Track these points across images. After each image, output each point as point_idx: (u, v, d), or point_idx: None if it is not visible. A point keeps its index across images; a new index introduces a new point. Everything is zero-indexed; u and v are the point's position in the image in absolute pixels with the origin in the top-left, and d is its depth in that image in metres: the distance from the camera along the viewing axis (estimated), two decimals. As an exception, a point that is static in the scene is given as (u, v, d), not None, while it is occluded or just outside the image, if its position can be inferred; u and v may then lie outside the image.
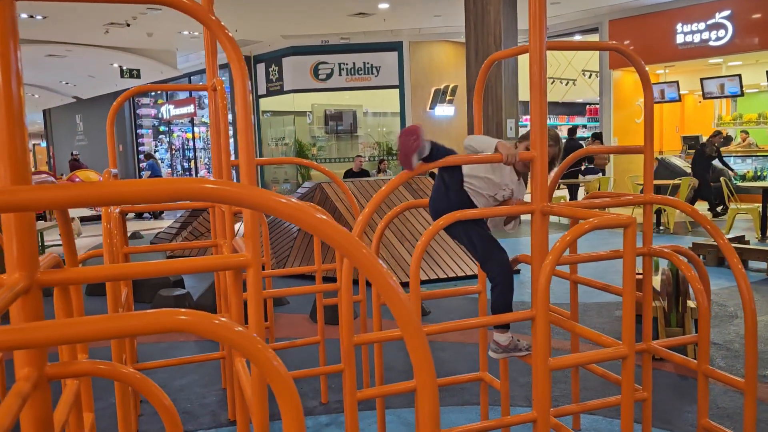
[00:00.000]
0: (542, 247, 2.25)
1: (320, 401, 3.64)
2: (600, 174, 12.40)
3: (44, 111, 26.99)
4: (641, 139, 2.53)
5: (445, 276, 6.66)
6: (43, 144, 30.88)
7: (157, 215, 14.87)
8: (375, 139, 17.13)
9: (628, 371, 1.91)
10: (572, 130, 13.55)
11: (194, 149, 20.22)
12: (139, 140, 21.95)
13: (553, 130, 2.50)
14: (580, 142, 13.86)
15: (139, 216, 15.12)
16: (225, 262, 1.45)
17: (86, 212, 13.75)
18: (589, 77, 17.47)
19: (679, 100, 13.64)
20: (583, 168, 12.04)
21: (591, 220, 1.86)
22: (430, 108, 15.08)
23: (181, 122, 20.72)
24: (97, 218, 14.06)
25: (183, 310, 0.97)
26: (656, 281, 4.53)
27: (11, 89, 1.23)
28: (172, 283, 6.35)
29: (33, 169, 18.31)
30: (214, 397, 3.77)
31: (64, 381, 1.73)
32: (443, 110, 15.05)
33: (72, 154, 18.98)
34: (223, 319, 0.98)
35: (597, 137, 12.73)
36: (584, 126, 20.65)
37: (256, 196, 0.98)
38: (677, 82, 13.18)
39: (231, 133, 17.34)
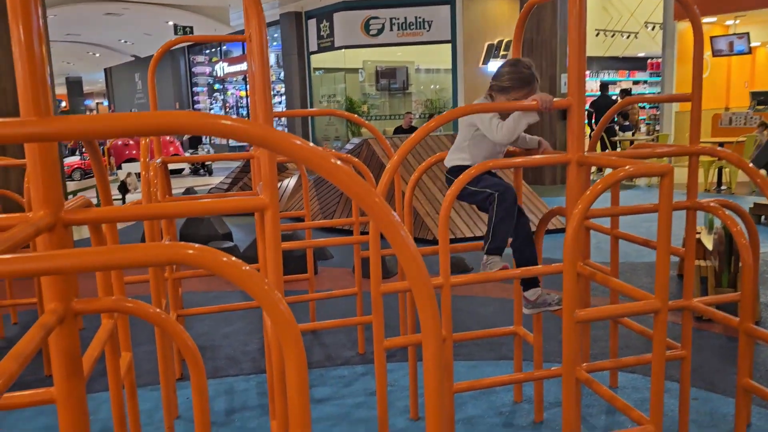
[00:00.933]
0: (578, 199, 2.18)
1: (357, 351, 3.69)
2: (632, 131, 12.31)
3: (105, 70, 27.72)
4: (707, 95, 2.39)
5: (463, 236, 6.59)
6: (106, 103, 31.81)
7: (210, 171, 15.21)
8: (427, 96, 16.90)
9: (660, 326, 1.84)
10: (604, 86, 13.36)
11: (248, 107, 20.44)
12: (195, 98, 22.33)
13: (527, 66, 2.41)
14: (613, 98, 13.52)
15: (195, 172, 15.50)
16: (243, 205, 1.46)
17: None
18: (653, 29, 16.61)
19: (749, 52, 12.84)
20: (617, 127, 11.90)
21: (626, 167, 1.78)
22: (483, 63, 14.70)
23: (235, 80, 20.94)
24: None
25: (192, 244, 0.98)
26: (709, 240, 4.35)
27: (33, 48, 1.24)
28: (221, 236, 6.51)
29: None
30: (256, 345, 3.88)
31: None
32: (496, 66, 14.66)
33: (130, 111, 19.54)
34: (233, 258, 0.99)
35: (626, 93, 12.72)
36: (645, 81, 19.76)
37: (270, 135, 0.97)
38: (747, 33, 12.38)
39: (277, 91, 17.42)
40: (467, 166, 2.28)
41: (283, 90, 17.52)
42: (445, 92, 16.60)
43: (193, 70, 22.34)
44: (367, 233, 2.52)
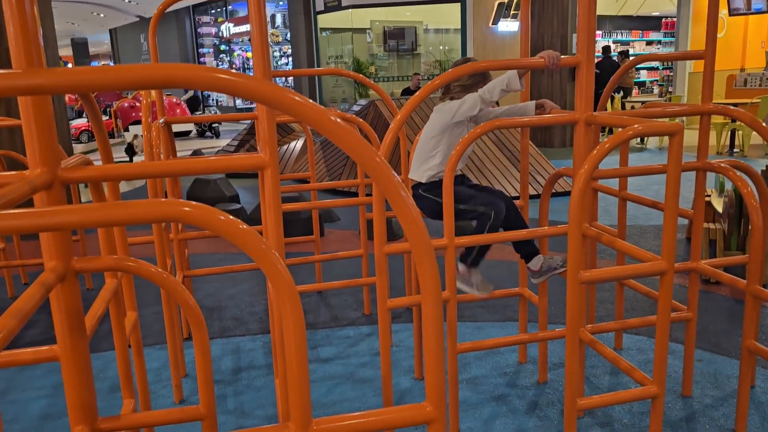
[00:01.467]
0: (585, 159, 2.14)
1: (363, 312, 3.71)
2: (627, 95, 12.50)
3: (110, 31, 27.41)
4: (721, 55, 2.32)
5: None
6: (112, 64, 31.56)
7: (218, 134, 15.15)
8: (436, 57, 16.64)
9: (666, 287, 1.83)
10: (606, 48, 13.35)
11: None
12: (201, 59, 22.11)
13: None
14: (614, 60, 13.39)
15: (201, 135, 15.44)
16: (241, 163, 1.44)
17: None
18: (668, -12, 16.19)
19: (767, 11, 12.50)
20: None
21: (635, 126, 1.74)
22: (493, 24, 14.40)
23: (241, 41, 20.67)
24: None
25: (190, 202, 0.96)
26: (719, 203, 4.30)
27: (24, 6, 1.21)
28: (228, 198, 6.51)
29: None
30: (262, 306, 3.91)
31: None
32: (507, 26, 14.32)
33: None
34: (230, 217, 0.97)
35: (625, 55, 13.04)
36: (659, 42, 19.34)
37: (268, 89, 0.93)
38: (767, -9, 12.03)
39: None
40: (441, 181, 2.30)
41: (289, 51, 17.29)
42: (455, 53, 16.34)
43: (198, 30, 22.07)
44: (372, 195, 2.50)
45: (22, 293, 3.99)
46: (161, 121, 3.07)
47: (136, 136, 9.50)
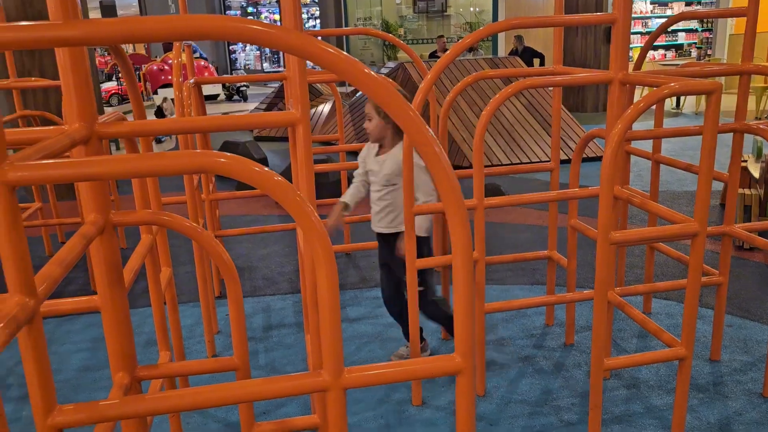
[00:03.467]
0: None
1: (391, 274, 3.75)
2: None
3: (140, -6, 27.44)
4: (765, 16, 2.24)
5: (528, 161, 6.48)
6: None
7: (246, 97, 15.18)
8: (466, 19, 16.32)
9: (697, 250, 1.80)
10: None
11: (282, 31, 20.08)
12: (230, 22, 22.04)
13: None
14: None
15: (229, 98, 15.49)
16: (274, 119, 1.45)
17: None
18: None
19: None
20: None
21: (671, 84, 1.70)
22: (526, -17, 14.04)
23: (269, 2, 20.53)
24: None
25: (224, 153, 0.98)
26: (756, 168, 4.20)
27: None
28: (257, 161, 6.56)
29: (130, 52, 18.75)
30: (292, 266, 3.97)
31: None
32: (540, -14, 13.98)
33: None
34: (266, 168, 0.98)
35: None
36: (699, 2, 18.61)
37: (299, 39, 0.93)
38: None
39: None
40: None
41: (317, 13, 17.12)
42: (485, 15, 16.00)
43: (226, -7, 21.93)
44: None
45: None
46: (191, 81, 3.09)
47: (165, 99, 9.58)
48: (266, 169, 0.97)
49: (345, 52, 0.95)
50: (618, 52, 2.10)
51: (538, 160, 6.49)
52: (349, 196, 2.59)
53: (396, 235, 2.48)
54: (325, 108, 8.83)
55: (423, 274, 2.41)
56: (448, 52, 2.07)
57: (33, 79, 4.26)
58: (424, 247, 2.44)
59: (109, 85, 14.39)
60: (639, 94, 9.28)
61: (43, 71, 5.50)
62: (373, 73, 0.93)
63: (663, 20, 3.88)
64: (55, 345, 3.03)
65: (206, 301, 2.87)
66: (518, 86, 2.12)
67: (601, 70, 2.31)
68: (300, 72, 1.46)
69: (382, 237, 2.58)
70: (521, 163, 6.43)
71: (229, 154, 0.96)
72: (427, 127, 0.97)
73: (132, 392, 1.43)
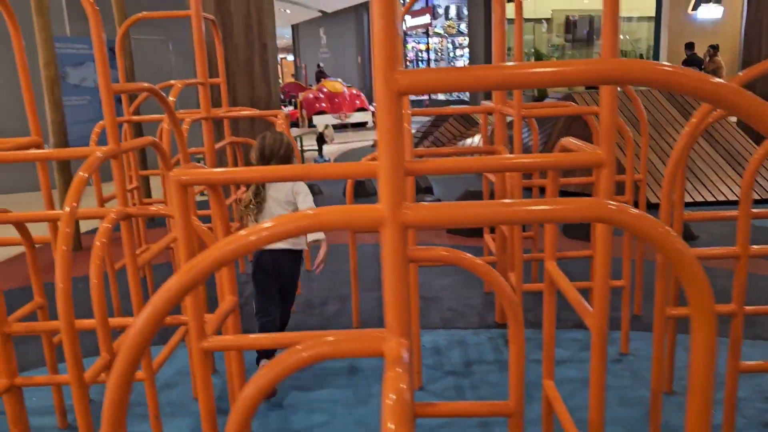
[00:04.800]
0: None
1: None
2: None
3: (292, 26, 29.25)
4: None
5: (714, 199, 6.00)
6: (290, 58, 33.65)
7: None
8: (621, 47, 15.73)
9: None
10: (690, 45, 12.04)
11: (428, 61, 20.47)
12: (376, 52, 22.79)
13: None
14: (699, 56, 11.75)
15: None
16: (576, 159, 1.39)
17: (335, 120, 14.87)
18: None
19: None
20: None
21: None
22: (693, 9, 13.25)
23: (414, 33, 21.01)
24: (343, 126, 15.24)
25: (628, 207, 0.92)
26: None
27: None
28: (423, 190, 6.62)
29: (280, 82, 19.92)
30: (478, 299, 3.90)
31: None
32: (708, 11, 13.13)
33: (318, 66, 20.45)
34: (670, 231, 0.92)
35: (714, 48, 12.01)
36: None
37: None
38: None
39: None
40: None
41: (465, 42, 17.26)
42: (640, 43, 15.34)
43: (375, 24, 22.75)
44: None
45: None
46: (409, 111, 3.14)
47: (327, 126, 10.00)
48: (671, 231, 0.90)
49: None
50: None
51: (725, 199, 5.99)
52: None
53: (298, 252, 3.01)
54: (476, 140, 8.79)
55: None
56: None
57: (241, 108, 4.57)
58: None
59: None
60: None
61: (236, 101, 5.94)
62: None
63: None
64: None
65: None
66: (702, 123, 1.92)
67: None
68: (611, 107, 1.39)
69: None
70: (706, 201, 5.97)
71: (635, 210, 0.90)
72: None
73: None
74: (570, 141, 1.63)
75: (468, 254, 1.50)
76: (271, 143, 2.91)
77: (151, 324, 0.94)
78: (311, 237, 2.96)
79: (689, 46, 11.89)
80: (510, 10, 3.16)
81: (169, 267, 4.66)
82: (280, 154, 2.91)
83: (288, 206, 2.93)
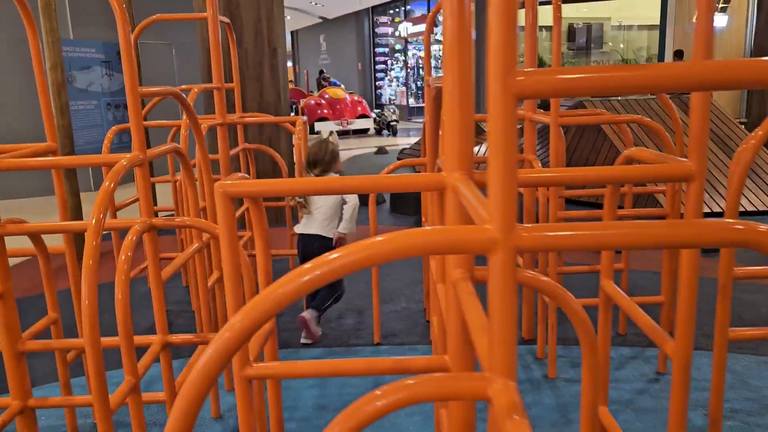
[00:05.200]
0: None
1: (618, 330, 3.44)
2: None
3: (292, 32, 29.18)
4: None
5: (743, 209, 5.90)
6: (290, 63, 33.62)
7: (395, 132, 15.43)
8: (621, 56, 15.70)
9: None
10: (679, 53, 11.87)
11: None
12: (377, 59, 22.74)
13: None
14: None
15: (378, 132, 15.82)
16: (665, 172, 1.27)
17: (337, 126, 14.79)
18: None
19: None
20: None
21: None
22: (697, 18, 13.21)
23: (415, 40, 20.94)
24: (345, 132, 15.17)
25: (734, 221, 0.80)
26: None
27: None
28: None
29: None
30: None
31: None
32: (715, 21, 13.07)
33: (321, 72, 20.35)
34: None
35: (679, 56, 11.82)
36: None
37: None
38: None
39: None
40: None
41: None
42: (643, 51, 15.31)
43: (376, 30, 22.70)
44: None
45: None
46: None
47: (331, 133, 9.89)
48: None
49: None
50: None
51: (743, 209, 5.89)
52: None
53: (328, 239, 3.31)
54: (481, 148, 8.67)
55: None
56: None
57: (255, 114, 4.45)
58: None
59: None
60: None
61: (245, 107, 5.81)
62: None
63: None
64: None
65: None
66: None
67: None
68: (702, 114, 1.27)
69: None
70: (724, 211, 5.85)
71: (745, 222, 0.78)
72: None
73: None
74: (643, 151, 1.51)
75: (564, 289, 1.37)
76: (315, 150, 3.22)
77: (213, 370, 0.82)
78: (341, 228, 3.27)
79: (678, 53, 11.92)
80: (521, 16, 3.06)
81: (178, 278, 4.52)
82: (325, 159, 3.24)
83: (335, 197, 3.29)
